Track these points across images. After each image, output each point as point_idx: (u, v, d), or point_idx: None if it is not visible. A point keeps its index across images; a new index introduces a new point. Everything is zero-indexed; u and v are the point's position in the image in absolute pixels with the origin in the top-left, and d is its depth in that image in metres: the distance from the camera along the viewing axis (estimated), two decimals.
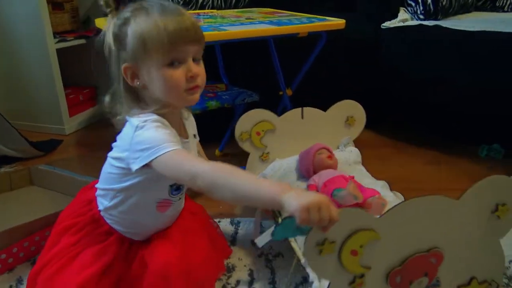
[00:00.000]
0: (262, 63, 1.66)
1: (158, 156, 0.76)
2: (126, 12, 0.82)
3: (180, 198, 0.96)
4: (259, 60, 1.68)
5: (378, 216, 0.76)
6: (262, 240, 1.03)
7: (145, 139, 0.78)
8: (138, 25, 0.79)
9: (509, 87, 1.59)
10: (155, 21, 0.78)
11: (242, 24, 1.39)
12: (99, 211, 0.93)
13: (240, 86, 1.65)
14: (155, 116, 0.82)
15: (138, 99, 0.85)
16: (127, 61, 0.82)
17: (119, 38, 0.81)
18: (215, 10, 1.89)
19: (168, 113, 0.85)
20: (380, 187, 1.18)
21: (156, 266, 0.86)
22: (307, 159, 1.24)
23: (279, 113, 1.33)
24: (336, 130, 1.38)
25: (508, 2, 2.30)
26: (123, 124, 0.85)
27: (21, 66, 1.97)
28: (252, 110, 1.28)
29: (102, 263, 0.87)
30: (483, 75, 1.63)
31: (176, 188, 0.92)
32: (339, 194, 1.04)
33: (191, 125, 0.98)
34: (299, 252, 0.98)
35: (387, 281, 0.78)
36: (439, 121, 1.82)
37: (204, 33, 0.86)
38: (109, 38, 0.83)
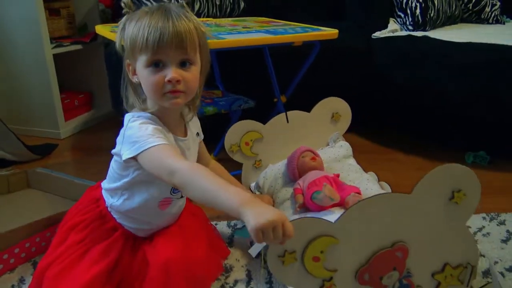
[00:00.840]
0: (257, 70, 1.70)
1: (144, 150, 0.80)
2: (132, 14, 0.87)
3: (182, 196, 1.00)
4: (254, 68, 1.72)
5: (332, 221, 0.76)
6: (254, 250, 1.07)
7: (135, 132, 0.83)
8: (131, 26, 0.85)
9: (493, 95, 1.66)
10: (143, 24, 0.82)
11: (239, 33, 1.43)
12: (106, 207, 0.97)
13: (236, 93, 1.69)
14: (148, 114, 0.88)
15: (138, 95, 0.91)
16: (128, 58, 0.88)
17: (122, 37, 0.88)
18: (210, 18, 1.93)
19: (162, 111, 0.89)
20: (366, 179, 1.20)
21: (158, 261, 0.89)
22: (292, 164, 1.27)
23: None
24: (323, 128, 1.40)
25: (492, 15, 2.39)
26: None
27: (18, 70, 1.98)
28: (238, 123, 1.32)
29: (109, 260, 0.90)
30: (469, 84, 1.69)
31: None
32: (318, 197, 1.08)
33: (194, 124, 1.02)
34: None
35: (357, 280, 0.80)
36: (428, 128, 1.88)
37: None
38: (118, 37, 0.89)
